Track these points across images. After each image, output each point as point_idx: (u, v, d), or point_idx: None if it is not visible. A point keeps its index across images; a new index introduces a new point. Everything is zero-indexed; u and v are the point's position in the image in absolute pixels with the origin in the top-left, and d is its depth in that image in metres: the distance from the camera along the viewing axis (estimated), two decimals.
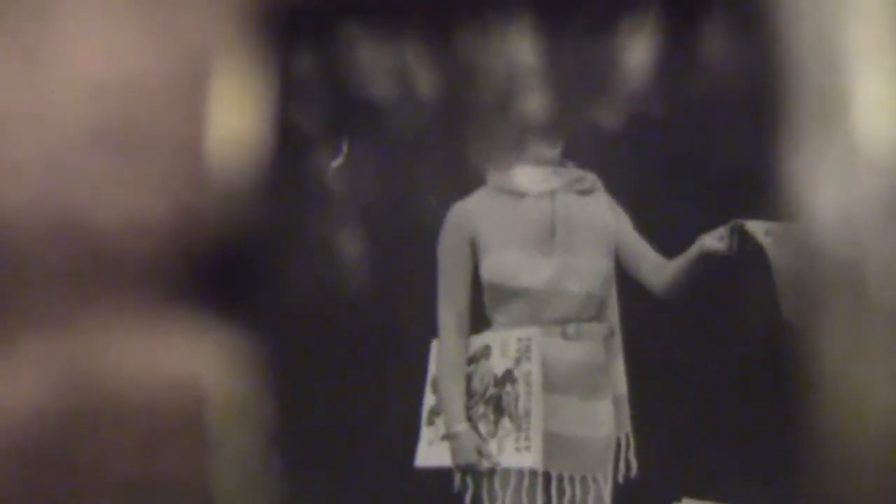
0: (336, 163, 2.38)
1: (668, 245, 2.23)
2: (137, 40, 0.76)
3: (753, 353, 2.12)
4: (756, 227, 1.92)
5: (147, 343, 0.74)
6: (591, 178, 2.11)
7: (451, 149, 2.20)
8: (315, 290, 2.39)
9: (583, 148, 2.20)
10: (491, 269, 2.02)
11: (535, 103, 2.15)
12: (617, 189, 2.23)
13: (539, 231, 2.04)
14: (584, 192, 2.09)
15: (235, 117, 0.76)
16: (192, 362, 0.74)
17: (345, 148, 2.41)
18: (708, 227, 2.11)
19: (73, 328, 0.74)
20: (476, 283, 2.05)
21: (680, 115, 2.33)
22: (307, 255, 2.44)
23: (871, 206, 0.72)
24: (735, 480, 2.11)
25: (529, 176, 2.05)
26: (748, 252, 1.90)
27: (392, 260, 2.35)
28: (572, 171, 2.09)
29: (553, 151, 2.04)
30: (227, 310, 0.75)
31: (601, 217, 2.07)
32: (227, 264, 0.76)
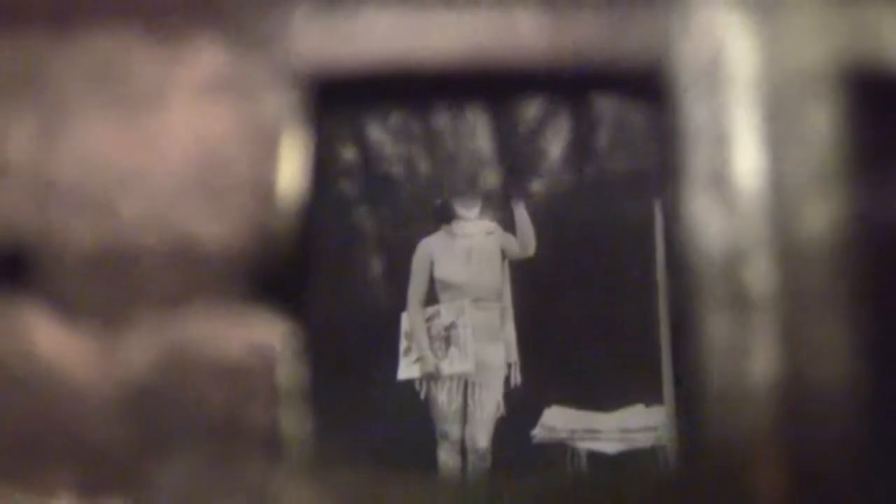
0: None
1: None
2: (225, 115, 1.04)
3: (622, 302, 4.01)
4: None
5: (231, 324, 1.01)
6: (494, 226, 3.77)
7: (437, 206, 3.79)
8: (345, 298, 4.14)
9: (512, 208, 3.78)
10: (439, 272, 3.72)
11: (491, 177, 3.86)
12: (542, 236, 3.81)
13: (465, 254, 3.70)
14: (489, 233, 3.75)
15: (296, 170, 1.04)
16: (264, 339, 1.01)
17: None
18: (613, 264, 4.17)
19: (176, 312, 1.01)
20: (431, 280, 3.72)
21: (595, 183, 4.01)
22: (341, 275, 4.13)
23: (747, 233, 1.01)
24: (594, 392, 3.89)
25: (461, 227, 3.73)
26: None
27: (399, 282, 3.89)
28: (484, 223, 3.76)
29: (474, 213, 3.72)
30: (286, 305, 1.03)
31: (497, 247, 3.72)
32: (287, 273, 1.03)
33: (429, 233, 3.79)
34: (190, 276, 1.01)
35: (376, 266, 4.27)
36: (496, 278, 3.70)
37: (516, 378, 3.71)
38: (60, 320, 1.01)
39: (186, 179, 1.02)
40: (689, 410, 1.01)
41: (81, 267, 1.02)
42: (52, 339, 1.01)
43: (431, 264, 3.72)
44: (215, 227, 1.02)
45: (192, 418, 1.00)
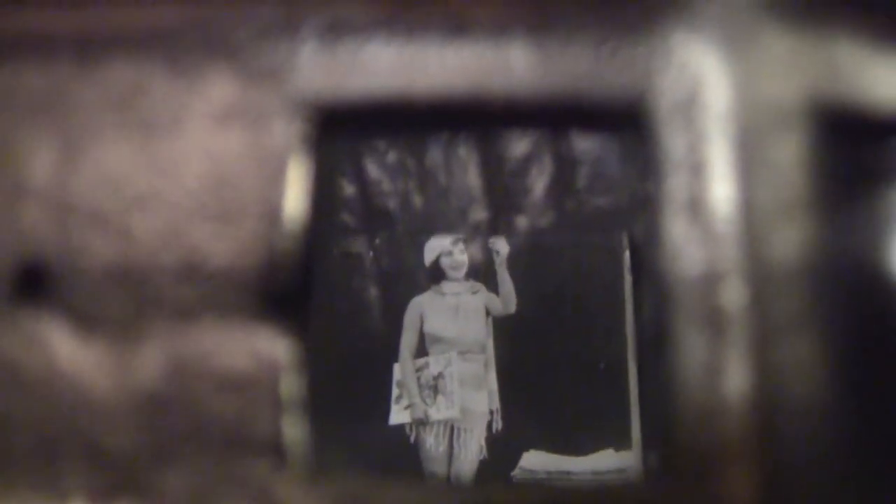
0: None
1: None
2: (236, 142, 1.11)
3: (595, 347, 4.31)
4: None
5: (238, 338, 1.08)
6: (479, 286, 4.12)
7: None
8: (342, 323, 4.35)
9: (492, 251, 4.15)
10: (428, 327, 4.06)
11: (478, 213, 4.27)
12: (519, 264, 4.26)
13: (452, 310, 4.06)
14: (475, 292, 4.10)
15: (301, 194, 1.11)
16: (269, 352, 1.07)
17: None
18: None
19: (187, 326, 1.08)
20: (421, 334, 4.08)
21: (574, 217, 4.37)
22: (341, 300, 4.42)
23: (722, 257, 1.09)
24: (568, 438, 4.18)
25: (449, 286, 4.09)
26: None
27: (393, 306, 4.30)
28: (469, 284, 4.11)
29: (461, 275, 4.08)
30: (290, 320, 1.09)
31: (482, 304, 4.08)
32: (291, 291, 1.10)
33: (420, 291, 4.19)
34: (200, 291, 1.08)
35: (373, 291, 4.69)
36: (481, 332, 4.09)
37: (498, 424, 4.10)
38: (77, 332, 1.08)
39: (198, 201, 1.09)
40: (660, 433, 1.08)
41: (98, 282, 1.08)
42: (69, 350, 1.08)
43: (422, 320, 4.10)
44: (225, 246, 1.08)
45: (199, 426, 1.06)
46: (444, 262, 4.12)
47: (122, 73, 1.10)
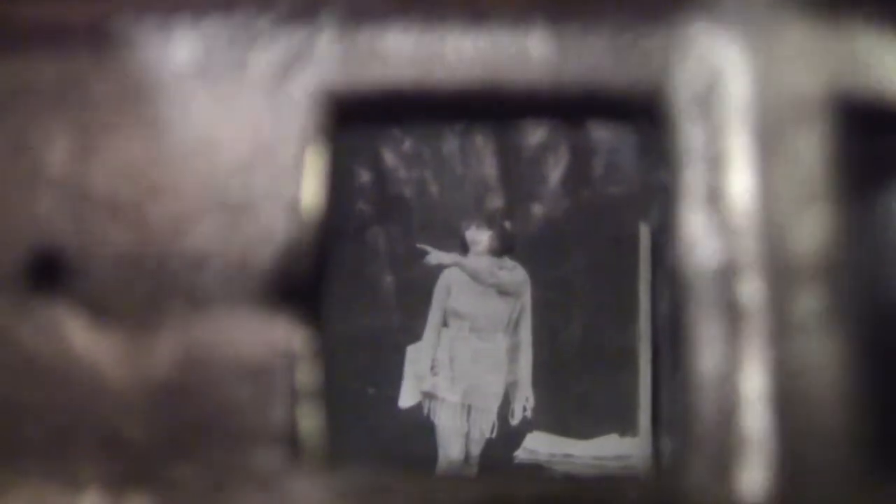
0: None
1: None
2: (251, 132, 1.11)
3: (606, 332, 4.25)
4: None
5: (253, 327, 1.07)
6: (509, 263, 4.10)
7: (447, 228, 4.26)
8: (357, 311, 4.34)
9: (518, 231, 4.19)
10: (451, 301, 4.08)
11: (493, 201, 4.30)
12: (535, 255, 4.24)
13: (472, 286, 4.05)
14: (500, 269, 4.02)
15: (318, 184, 1.11)
16: (284, 342, 1.07)
17: None
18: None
19: (202, 315, 1.08)
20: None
21: (589, 206, 4.33)
22: (355, 289, 4.41)
23: (739, 253, 1.08)
24: (573, 421, 4.21)
25: (476, 261, 4.09)
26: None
27: (409, 295, 4.31)
28: (498, 260, 4.08)
29: (484, 247, 4.05)
30: (305, 310, 1.09)
31: (513, 282, 4.06)
32: (307, 281, 1.10)
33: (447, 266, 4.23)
34: (215, 280, 1.07)
35: (388, 280, 4.73)
36: (501, 311, 4.08)
37: (528, 413, 4.12)
38: (92, 321, 1.08)
39: (214, 190, 1.09)
40: (672, 426, 1.07)
41: (113, 271, 1.08)
42: (83, 339, 1.08)
43: (449, 292, 4.12)
44: (240, 235, 1.08)
45: (214, 416, 1.06)
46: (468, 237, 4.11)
47: (137, 63, 1.10)
